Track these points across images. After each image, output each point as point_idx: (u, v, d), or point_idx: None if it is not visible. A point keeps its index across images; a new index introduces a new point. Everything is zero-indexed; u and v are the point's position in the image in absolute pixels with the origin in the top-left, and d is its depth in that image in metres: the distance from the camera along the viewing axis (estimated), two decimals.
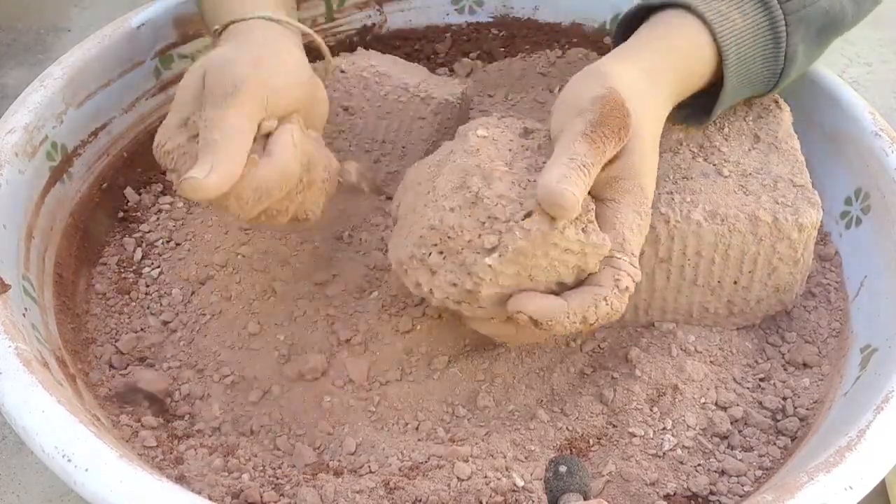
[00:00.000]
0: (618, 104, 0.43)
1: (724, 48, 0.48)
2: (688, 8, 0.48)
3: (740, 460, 0.46)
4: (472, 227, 0.42)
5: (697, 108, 0.51)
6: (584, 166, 0.41)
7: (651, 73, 0.47)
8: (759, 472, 0.45)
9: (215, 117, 0.43)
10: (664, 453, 0.46)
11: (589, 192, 0.43)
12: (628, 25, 0.51)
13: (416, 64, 0.63)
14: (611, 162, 0.43)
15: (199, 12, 0.57)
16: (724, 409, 0.48)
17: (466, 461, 0.45)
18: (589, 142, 0.42)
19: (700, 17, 0.48)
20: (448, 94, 0.59)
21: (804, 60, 0.52)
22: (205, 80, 0.45)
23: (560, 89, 0.48)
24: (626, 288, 0.42)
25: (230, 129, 0.43)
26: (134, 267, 0.57)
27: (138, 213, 0.61)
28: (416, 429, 0.49)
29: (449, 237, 0.42)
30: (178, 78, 0.63)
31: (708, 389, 0.49)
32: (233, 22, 0.50)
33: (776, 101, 0.55)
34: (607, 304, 0.42)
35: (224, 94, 0.44)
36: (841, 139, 0.57)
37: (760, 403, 0.49)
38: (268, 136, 0.46)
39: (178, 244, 0.58)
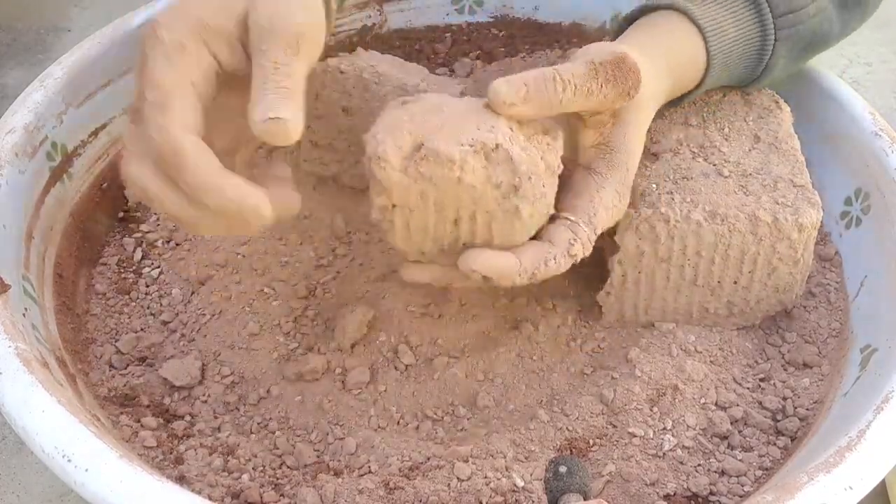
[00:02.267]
0: (634, 66, 0.43)
1: (712, 59, 0.49)
2: (686, 13, 0.49)
3: (740, 460, 0.46)
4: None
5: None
6: (565, 80, 0.40)
7: (652, 63, 0.47)
8: (759, 473, 0.45)
9: (289, 64, 0.39)
10: (664, 453, 0.46)
11: (579, 159, 0.43)
12: (625, 26, 0.51)
13: (415, 64, 0.63)
14: (606, 126, 0.44)
15: None
16: (724, 409, 0.48)
17: (466, 461, 0.45)
18: (591, 68, 0.41)
19: (697, 24, 0.49)
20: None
21: (784, 69, 0.53)
22: (256, 33, 0.40)
23: None
24: (575, 255, 0.43)
25: (299, 82, 0.39)
26: (134, 267, 0.57)
27: (138, 213, 0.61)
28: (417, 429, 0.49)
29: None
30: None
31: (708, 389, 0.49)
32: None
33: (776, 102, 0.55)
34: (555, 264, 0.42)
35: (289, 41, 0.39)
36: (841, 139, 0.57)
37: (760, 403, 0.49)
38: None
39: (178, 244, 0.58)
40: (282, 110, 0.37)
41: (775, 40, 0.50)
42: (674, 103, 0.52)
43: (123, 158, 0.39)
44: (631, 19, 0.52)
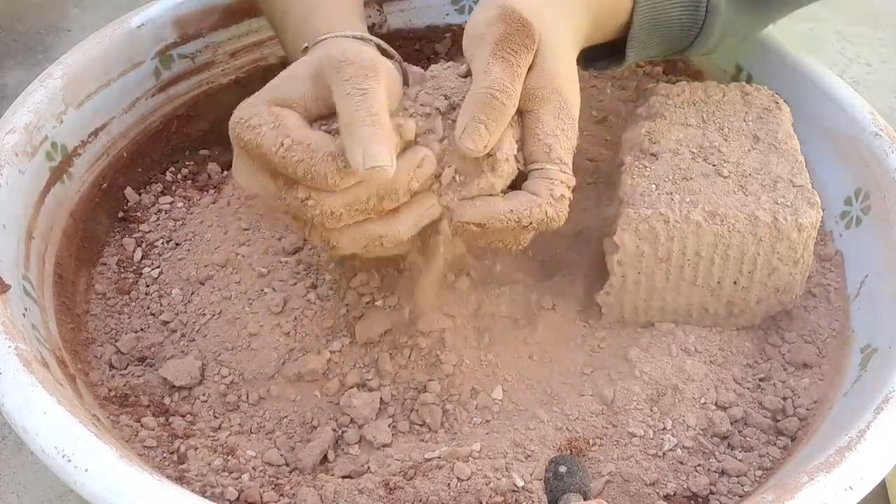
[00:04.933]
0: (514, 17, 0.43)
1: None
2: None
3: (740, 460, 0.46)
4: None
5: (615, 55, 0.52)
6: (502, 91, 0.41)
7: (560, 6, 0.47)
8: (759, 472, 0.45)
9: (374, 88, 0.40)
10: (664, 453, 0.46)
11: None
12: None
13: (407, 64, 0.62)
14: (526, 74, 0.44)
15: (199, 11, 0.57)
16: (724, 409, 0.48)
17: (466, 461, 0.45)
18: (500, 61, 0.42)
19: None
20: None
21: (732, 18, 0.51)
22: (334, 67, 0.42)
23: None
24: (562, 196, 0.43)
25: (384, 109, 0.41)
26: (134, 267, 0.57)
27: (138, 213, 0.61)
28: (417, 429, 0.49)
29: None
30: (178, 78, 0.64)
31: (708, 389, 0.49)
32: (324, 39, 0.48)
33: (776, 102, 0.55)
34: (542, 212, 0.43)
35: (366, 66, 0.41)
36: (841, 139, 0.57)
37: (760, 403, 0.49)
38: None
39: (178, 244, 0.58)
40: (378, 157, 0.39)
41: None
42: (607, 61, 0.52)
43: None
44: None
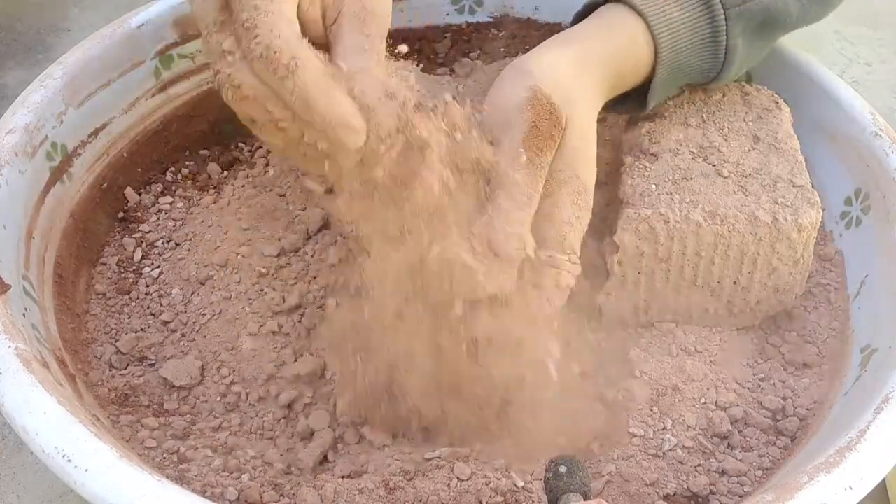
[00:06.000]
0: (544, 106, 0.44)
1: (658, 39, 0.49)
2: (626, 3, 0.49)
3: (740, 460, 0.46)
4: None
5: (638, 99, 0.52)
6: (528, 198, 0.42)
7: (580, 61, 0.47)
8: (759, 473, 0.45)
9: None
10: (664, 453, 0.46)
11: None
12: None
13: (404, 63, 0.62)
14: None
15: None
16: (724, 409, 0.48)
17: (466, 461, 0.45)
18: (527, 166, 0.42)
19: (637, 10, 0.49)
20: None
21: (747, 52, 0.52)
22: None
23: None
24: (567, 286, 0.44)
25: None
26: (134, 267, 0.57)
27: (138, 213, 0.61)
28: (417, 429, 0.48)
29: None
30: (178, 78, 0.64)
31: (708, 389, 0.49)
32: None
33: (776, 102, 0.55)
34: (550, 305, 0.44)
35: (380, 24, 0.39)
36: (841, 139, 0.57)
37: (760, 403, 0.49)
38: None
39: (178, 244, 0.58)
40: (352, 118, 0.36)
41: (726, 19, 0.49)
42: (629, 104, 0.52)
43: (221, 74, 0.37)
44: (579, 17, 0.52)
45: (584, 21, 0.51)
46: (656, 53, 0.49)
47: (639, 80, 0.51)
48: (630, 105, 0.53)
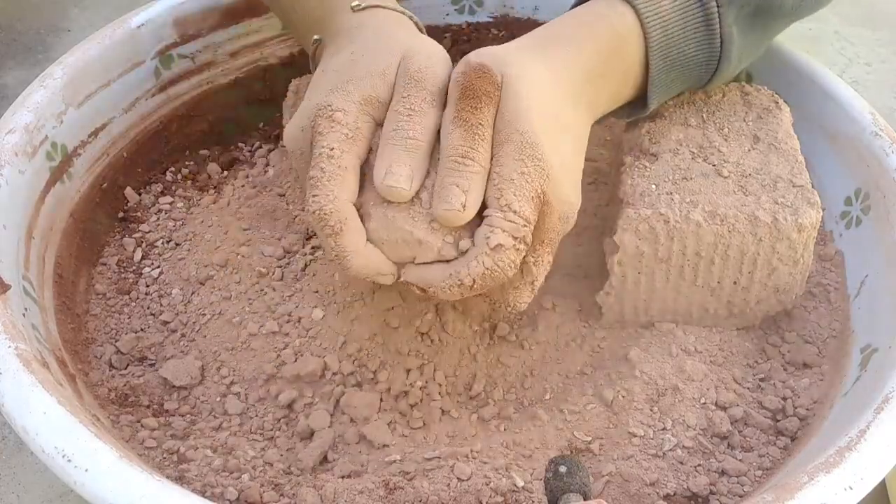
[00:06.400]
0: (473, 66, 0.43)
1: (649, 29, 0.48)
2: None
3: (740, 460, 0.46)
4: None
5: (639, 102, 0.51)
6: (462, 157, 0.41)
7: (548, 46, 0.47)
8: (759, 473, 0.45)
9: (425, 113, 0.43)
10: (664, 453, 0.46)
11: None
12: None
13: None
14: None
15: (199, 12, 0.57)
16: (724, 409, 0.48)
17: (466, 461, 0.45)
18: (460, 124, 0.42)
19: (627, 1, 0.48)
20: None
21: (744, 45, 0.51)
22: (409, 65, 0.44)
23: None
24: (498, 245, 0.41)
25: (427, 134, 0.44)
26: (134, 267, 0.57)
27: (138, 213, 0.61)
28: (417, 428, 0.48)
29: None
30: (178, 78, 0.64)
31: (708, 389, 0.49)
32: (365, 7, 0.50)
33: (776, 102, 0.55)
34: (479, 265, 0.41)
35: (432, 91, 0.44)
36: (841, 139, 0.57)
37: (760, 403, 0.49)
38: None
39: (178, 244, 0.58)
40: (400, 179, 0.41)
41: (718, 6, 0.48)
42: (630, 109, 0.52)
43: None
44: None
45: (572, 17, 0.49)
46: (647, 42, 0.48)
47: (635, 83, 0.50)
48: (632, 109, 0.52)
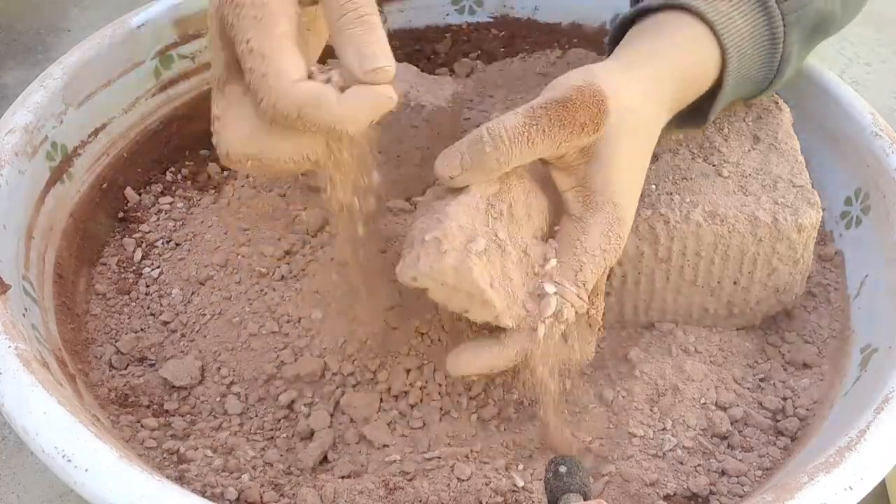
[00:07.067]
0: (593, 95, 0.41)
1: (728, 52, 0.46)
2: (688, 9, 0.46)
3: (740, 460, 0.46)
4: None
5: (692, 109, 0.50)
6: (495, 138, 0.38)
7: (651, 90, 0.45)
8: (759, 473, 0.45)
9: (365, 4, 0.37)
10: (664, 453, 0.46)
11: (554, 200, 0.41)
12: (625, 28, 0.49)
13: (404, 63, 0.62)
14: (578, 166, 0.41)
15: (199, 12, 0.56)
16: (724, 409, 0.48)
17: (466, 461, 0.45)
18: (529, 116, 0.38)
19: (704, 19, 0.46)
20: (439, 99, 0.58)
21: (797, 61, 0.51)
22: None
23: None
24: (566, 319, 0.40)
25: (375, 24, 0.37)
26: (134, 267, 0.57)
27: (138, 213, 0.61)
28: (417, 429, 0.48)
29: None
30: (178, 78, 0.64)
31: (708, 389, 0.49)
32: None
33: (776, 102, 0.55)
34: (533, 334, 0.40)
35: None
36: (841, 139, 0.57)
37: (760, 403, 0.49)
38: None
39: (178, 244, 0.58)
40: (380, 58, 0.35)
41: (784, 26, 0.47)
42: (696, 118, 0.49)
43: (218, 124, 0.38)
44: (626, 23, 0.49)
45: (648, 31, 0.47)
46: (724, 64, 0.46)
47: (698, 95, 0.48)
48: (687, 119, 0.50)
